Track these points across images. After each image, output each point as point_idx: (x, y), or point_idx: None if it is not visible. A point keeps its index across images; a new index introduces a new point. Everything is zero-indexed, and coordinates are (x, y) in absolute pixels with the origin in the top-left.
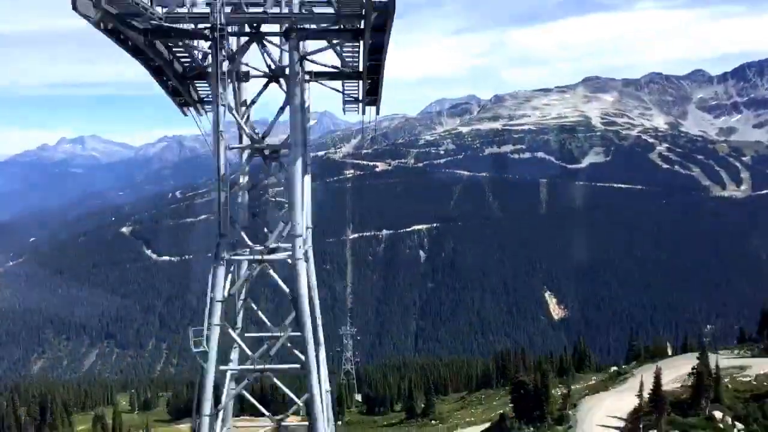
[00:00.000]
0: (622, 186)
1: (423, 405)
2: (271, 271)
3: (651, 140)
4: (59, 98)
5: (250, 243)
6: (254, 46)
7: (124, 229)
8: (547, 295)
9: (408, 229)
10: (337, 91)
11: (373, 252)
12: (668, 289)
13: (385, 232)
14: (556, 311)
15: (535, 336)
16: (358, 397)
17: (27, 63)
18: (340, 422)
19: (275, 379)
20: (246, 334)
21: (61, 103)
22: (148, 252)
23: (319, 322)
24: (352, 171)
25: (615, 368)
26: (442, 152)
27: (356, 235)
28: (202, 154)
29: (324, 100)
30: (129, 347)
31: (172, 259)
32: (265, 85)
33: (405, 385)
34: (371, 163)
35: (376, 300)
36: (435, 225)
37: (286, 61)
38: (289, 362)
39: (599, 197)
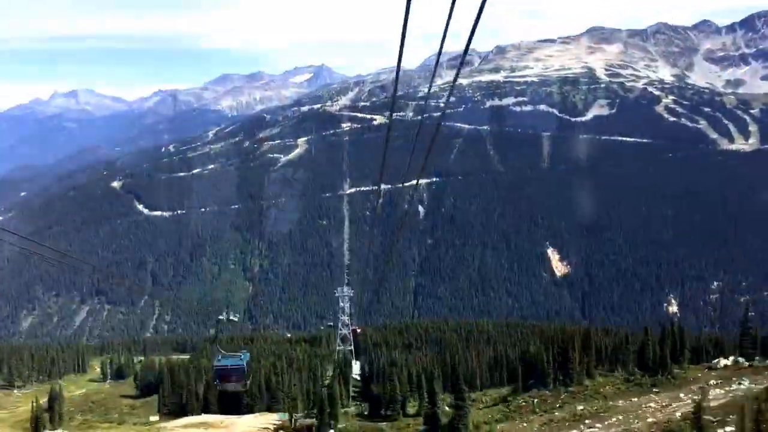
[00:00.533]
0: (628, 139)
1: (447, 407)
2: None
3: (657, 92)
4: (53, 51)
5: None
6: None
7: (115, 184)
8: (549, 251)
9: (406, 184)
10: None
11: (371, 207)
12: (674, 245)
13: (383, 186)
14: (559, 268)
15: (537, 293)
16: (356, 368)
17: (20, 15)
18: (332, 431)
19: None
20: None
21: (54, 57)
22: (140, 207)
23: None
24: (349, 124)
25: (723, 362)
26: (441, 105)
27: (353, 190)
28: (197, 108)
29: (321, 50)
30: (120, 304)
31: (165, 214)
32: None
33: (417, 371)
34: (368, 116)
35: (374, 256)
36: (434, 179)
37: None
38: None
39: (604, 151)
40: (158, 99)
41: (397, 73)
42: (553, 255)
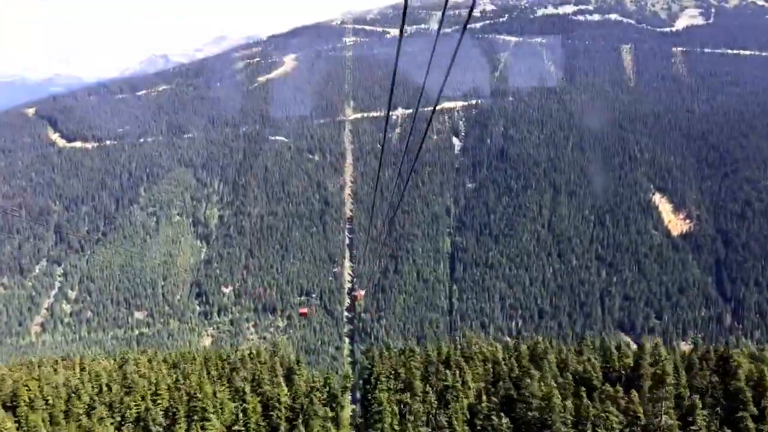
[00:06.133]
0: (742, 52)
1: None
2: None
3: (761, 2)
4: (47, 15)
5: None
6: None
7: (28, 109)
8: (656, 198)
9: (435, 108)
10: None
11: (384, 138)
12: None
13: (401, 111)
14: (674, 223)
15: (646, 261)
16: None
17: None
18: None
19: None
20: None
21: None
22: (54, 136)
23: None
24: (353, 38)
25: None
26: (477, 14)
27: (358, 116)
28: (186, 64)
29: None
30: (2, 272)
31: (86, 145)
32: None
33: None
34: (380, 29)
35: (390, 206)
36: (474, 102)
37: None
38: None
39: (711, 65)
40: (147, 62)
41: None
42: (662, 204)
